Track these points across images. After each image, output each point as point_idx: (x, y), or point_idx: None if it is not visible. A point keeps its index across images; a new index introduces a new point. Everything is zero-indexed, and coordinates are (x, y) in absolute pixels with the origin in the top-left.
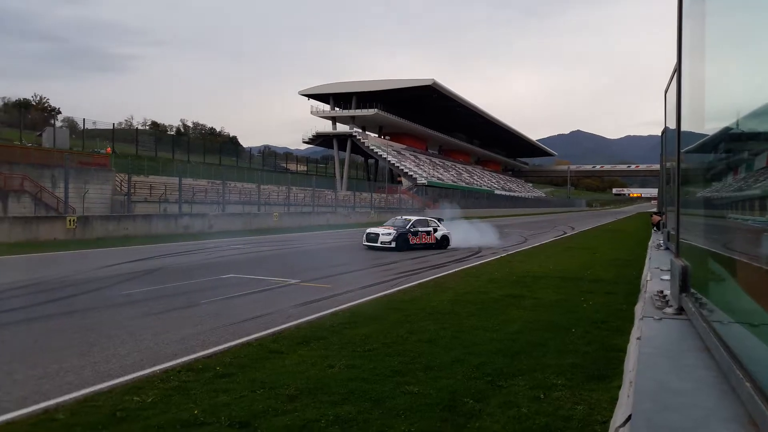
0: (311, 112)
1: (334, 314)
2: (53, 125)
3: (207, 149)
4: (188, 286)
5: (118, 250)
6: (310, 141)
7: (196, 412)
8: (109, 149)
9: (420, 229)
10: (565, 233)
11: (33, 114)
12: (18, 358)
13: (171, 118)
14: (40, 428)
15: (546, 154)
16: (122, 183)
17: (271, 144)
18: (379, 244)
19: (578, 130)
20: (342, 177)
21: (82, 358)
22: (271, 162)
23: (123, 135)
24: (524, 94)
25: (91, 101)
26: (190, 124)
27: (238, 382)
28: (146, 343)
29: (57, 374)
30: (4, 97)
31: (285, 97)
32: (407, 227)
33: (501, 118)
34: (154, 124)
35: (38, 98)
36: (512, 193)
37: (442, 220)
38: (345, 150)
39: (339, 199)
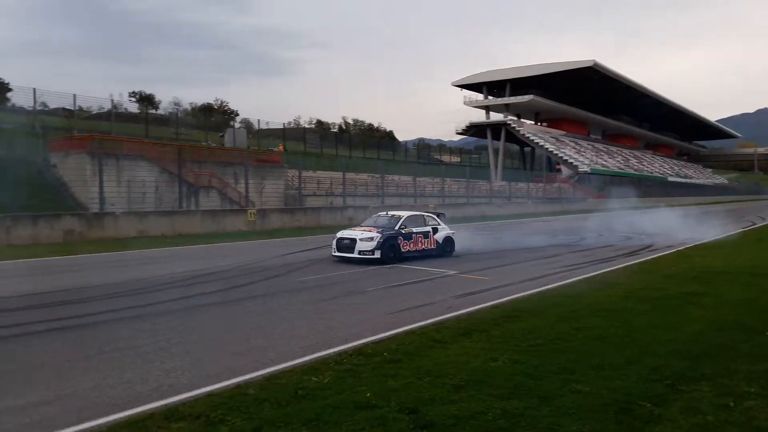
0: (464, 103)
1: (495, 307)
2: (233, 127)
3: (366, 144)
4: (354, 274)
5: (292, 240)
6: (464, 132)
7: (368, 395)
8: (281, 147)
9: (414, 229)
10: (754, 224)
11: (215, 117)
12: (213, 337)
13: (333, 116)
14: (235, 401)
15: (727, 135)
16: (293, 178)
17: (425, 137)
18: (356, 255)
19: (765, 108)
20: (496, 167)
21: (266, 339)
22: (425, 154)
23: (292, 133)
24: (699, 72)
25: (264, 103)
26: (351, 121)
27: (404, 369)
28: (319, 327)
29: (247, 353)
30: (191, 103)
31: (437, 90)
32: (396, 227)
33: (672, 97)
34: (319, 122)
35: (219, 102)
36: (688, 180)
37: (443, 215)
38: (499, 139)
39: (494, 190)
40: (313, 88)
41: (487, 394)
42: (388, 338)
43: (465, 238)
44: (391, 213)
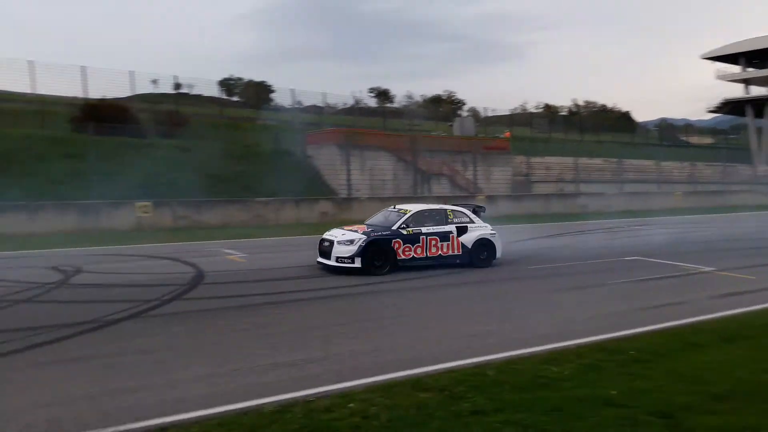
0: (716, 77)
1: (766, 311)
2: (460, 116)
3: (599, 127)
4: (591, 265)
5: (520, 227)
6: (716, 109)
7: (613, 392)
8: (508, 134)
9: (425, 229)
10: None
11: (444, 107)
12: (452, 316)
13: (562, 99)
14: (475, 379)
15: None
16: (521, 164)
17: (667, 116)
18: (333, 263)
19: None
20: (760, 149)
21: (500, 323)
22: (669, 136)
23: (518, 119)
24: None
25: (490, 90)
26: (581, 103)
27: (654, 370)
28: (555, 318)
29: (483, 335)
30: (422, 95)
31: (680, 64)
32: (395, 227)
33: None
34: (547, 106)
35: (447, 93)
36: None
37: (482, 209)
38: (763, 117)
39: (758, 176)
40: (541, 71)
41: (759, 409)
42: (633, 336)
43: (720, 229)
44: (398, 207)
